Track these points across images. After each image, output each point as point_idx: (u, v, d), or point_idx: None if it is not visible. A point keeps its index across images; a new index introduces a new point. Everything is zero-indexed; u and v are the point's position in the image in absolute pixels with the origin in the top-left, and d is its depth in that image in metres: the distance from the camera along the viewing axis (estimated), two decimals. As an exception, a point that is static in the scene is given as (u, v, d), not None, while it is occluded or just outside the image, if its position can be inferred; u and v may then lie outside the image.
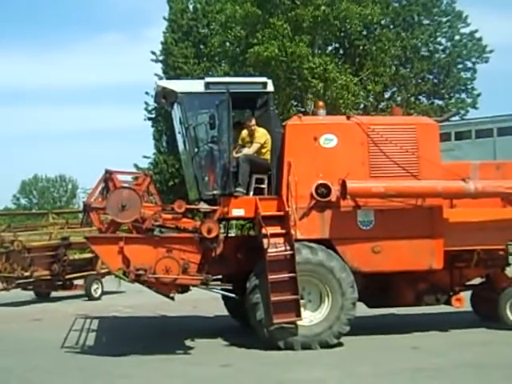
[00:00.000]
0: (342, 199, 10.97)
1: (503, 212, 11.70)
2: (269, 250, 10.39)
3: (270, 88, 11.51)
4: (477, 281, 12.78)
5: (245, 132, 11.90)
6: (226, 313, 13.17)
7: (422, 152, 11.32)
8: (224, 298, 12.50)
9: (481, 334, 11.66)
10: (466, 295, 12.42)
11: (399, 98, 37.42)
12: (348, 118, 11.66)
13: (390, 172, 11.24)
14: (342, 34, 35.44)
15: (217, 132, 11.23)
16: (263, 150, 11.54)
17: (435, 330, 11.94)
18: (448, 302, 11.97)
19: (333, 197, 11.01)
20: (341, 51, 37.34)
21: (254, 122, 11.68)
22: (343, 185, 10.81)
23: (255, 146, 11.51)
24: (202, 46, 40.12)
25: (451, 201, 11.58)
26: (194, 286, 10.87)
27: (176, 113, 11.78)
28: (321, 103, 12.30)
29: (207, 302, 14.72)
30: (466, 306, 12.53)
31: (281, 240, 10.54)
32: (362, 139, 11.29)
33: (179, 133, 12.03)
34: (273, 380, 8.66)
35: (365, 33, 35.43)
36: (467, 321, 12.60)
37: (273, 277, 10.29)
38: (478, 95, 38.70)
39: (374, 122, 11.78)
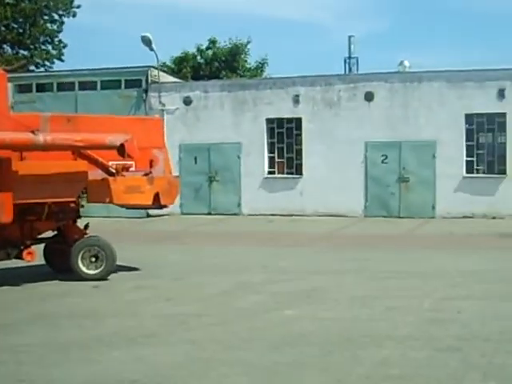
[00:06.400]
0: None
1: (74, 165, 11.81)
2: None
3: None
4: (49, 234, 12.78)
5: None
6: None
7: (-13, 102, 10.80)
8: None
9: (57, 286, 11.70)
10: (39, 248, 12.36)
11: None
12: None
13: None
14: None
15: None
16: None
17: (9, 284, 11.65)
18: (19, 256, 11.76)
19: None
20: None
21: None
22: None
23: None
24: None
25: (21, 153, 11.28)
26: None
27: None
28: None
29: None
30: (40, 260, 12.50)
31: None
32: None
33: None
34: None
35: None
36: (42, 274, 12.53)
37: None
38: (64, 47, 38.78)
39: None
